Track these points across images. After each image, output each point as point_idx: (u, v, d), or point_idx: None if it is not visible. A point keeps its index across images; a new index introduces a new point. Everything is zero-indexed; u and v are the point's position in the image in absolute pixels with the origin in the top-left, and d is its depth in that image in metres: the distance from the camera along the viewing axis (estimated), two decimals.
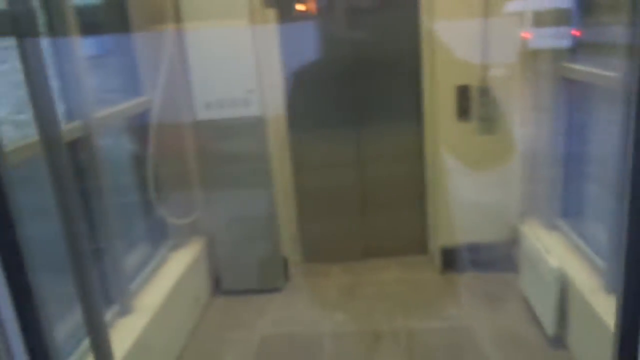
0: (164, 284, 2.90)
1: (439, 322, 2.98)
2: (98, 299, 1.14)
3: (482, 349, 2.73)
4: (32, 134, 2.03)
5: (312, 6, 3.44)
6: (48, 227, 1.78)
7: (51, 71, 2.23)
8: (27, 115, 2.01)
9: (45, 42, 2.23)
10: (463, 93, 3.15)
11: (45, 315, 0.91)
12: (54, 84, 2.25)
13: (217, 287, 3.49)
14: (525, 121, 3.19)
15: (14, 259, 0.80)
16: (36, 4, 2.14)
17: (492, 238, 3.41)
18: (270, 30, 3.32)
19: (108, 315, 2.47)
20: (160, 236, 3.23)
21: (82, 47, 2.42)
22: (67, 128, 2.24)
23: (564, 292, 2.52)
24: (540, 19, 2.96)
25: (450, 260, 3.48)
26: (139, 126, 3.02)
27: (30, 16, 0.83)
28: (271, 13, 3.31)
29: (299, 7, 3.45)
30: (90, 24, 2.83)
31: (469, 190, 3.34)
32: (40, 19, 2.18)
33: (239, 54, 3.07)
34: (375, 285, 3.46)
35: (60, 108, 2.29)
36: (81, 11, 2.64)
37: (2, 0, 0.96)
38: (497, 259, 3.41)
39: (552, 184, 2.99)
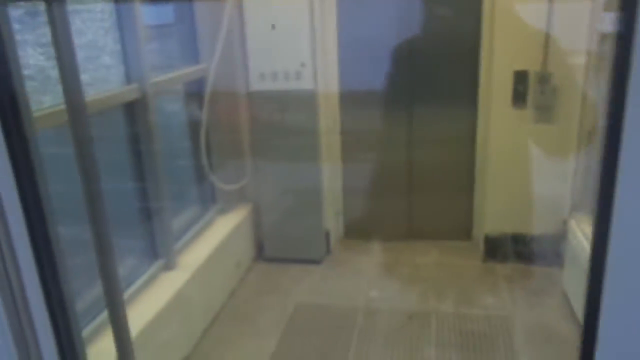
0: (208, 244, 3.05)
1: (474, 309, 2.95)
2: (117, 273, 1.22)
3: (515, 341, 2.69)
4: (89, 93, 2.17)
5: None
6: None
7: (113, 35, 2.37)
8: (86, 76, 2.15)
9: (109, 7, 2.36)
10: (521, 79, 3.04)
11: (68, 284, 0.98)
12: (116, 47, 2.38)
13: (260, 253, 3.62)
14: (586, 112, 3.04)
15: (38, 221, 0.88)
16: None
17: (539, 230, 3.31)
18: (328, 5, 3.33)
19: (153, 269, 2.64)
20: (208, 200, 3.37)
21: (145, 15, 2.54)
22: (125, 90, 2.39)
23: None
24: (612, 2, 2.80)
25: (493, 248, 3.41)
26: (194, 93, 3.14)
27: None
28: None
29: None
30: None
31: (519, 179, 3.24)
32: None
33: (295, 27, 3.11)
34: (414, 267, 3.46)
35: (120, 70, 2.43)
36: None
37: None
38: (543, 252, 3.32)
39: None
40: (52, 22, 0.95)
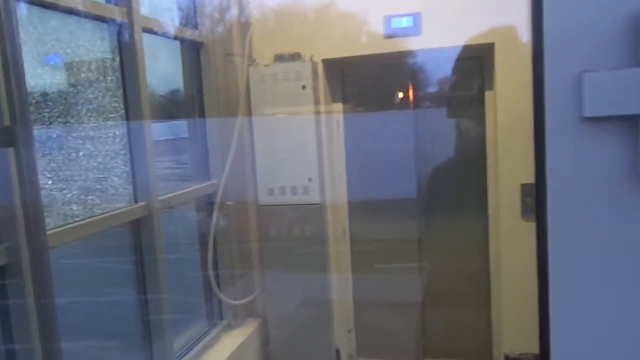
0: None
1: None
2: None
3: None
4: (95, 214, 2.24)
5: (386, 99, 3.56)
6: None
7: (123, 157, 2.48)
8: (94, 197, 2.23)
9: (121, 131, 2.50)
10: (529, 192, 3.03)
11: None
12: (125, 168, 2.49)
13: None
14: None
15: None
16: (114, 89, 2.43)
17: None
18: (336, 121, 3.47)
19: None
20: (215, 315, 3.30)
21: (155, 132, 2.66)
22: (131, 209, 2.45)
23: None
24: None
25: None
26: (205, 205, 3.21)
27: (26, 130, 0.96)
28: (338, 107, 3.47)
29: (376, 98, 3.59)
30: (169, 109, 3.15)
31: (537, 294, 3.10)
32: (118, 104, 2.46)
33: (303, 144, 3.22)
34: None
35: (128, 190, 2.51)
36: (161, 97, 2.95)
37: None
38: None
39: None
40: (19, 165, 1.00)
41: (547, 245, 0.74)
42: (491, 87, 3.19)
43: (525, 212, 3.04)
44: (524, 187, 3.03)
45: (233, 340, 3.25)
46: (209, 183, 3.18)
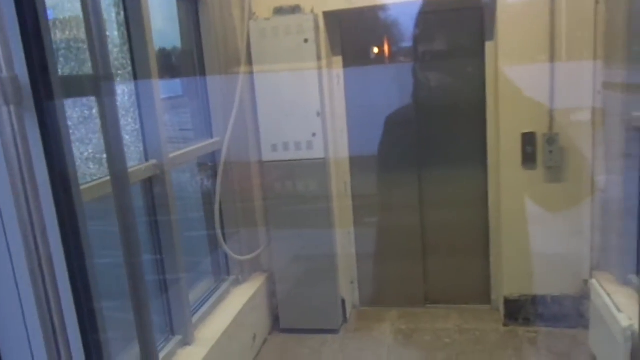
0: (224, 318, 3.00)
1: None
2: (153, 331, 1.22)
3: None
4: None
5: (385, 51, 3.52)
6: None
7: (133, 115, 2.45)
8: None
9: (130, 88, 2.46)
10: (529, 140, 3.10)
11: (106, 337, 1.00)
12: (135, 126, 2.46)
13: (276, 324, 3.55)
14: (597, 170, 3.07)
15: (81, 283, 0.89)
16: (120, 45, 2.38)
17: (560, 291, 3.25)
18: (336, 76, 3.45)
19: (171, 345, 2.59)
20: (222, 271, 3.35)
21: (160, 90, 2.63)
22: (144, 166, 2.44)
23: (636, 353, 2.36)
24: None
25: (514, 312, 3.34)
26: (208, 163, 3.20)
27: (108, 80, 0.96)
28: (338, 60, 3.45)
29: (376, 50, 3.54)
30: (168, 67, 3.10)
31: (536, 239, 3.22)
32: (125, 61, 2.41)
33: (305, 98, 3.21)
34: (433, 333, 3.38)
35: (139, 148, 2.50)
36: (160, 55, 2.89)
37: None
38: (566, 313, 3.24)
39: (626, 237, 2.84)
40: (102, 111, 1.00)
41: None
42: (492, 37, 3.21)
43: (525, 161, 3.12)
44: (524, 136, 3.10)
45: (242, 294, 3.32)
46: (213, 140, 3.17)
